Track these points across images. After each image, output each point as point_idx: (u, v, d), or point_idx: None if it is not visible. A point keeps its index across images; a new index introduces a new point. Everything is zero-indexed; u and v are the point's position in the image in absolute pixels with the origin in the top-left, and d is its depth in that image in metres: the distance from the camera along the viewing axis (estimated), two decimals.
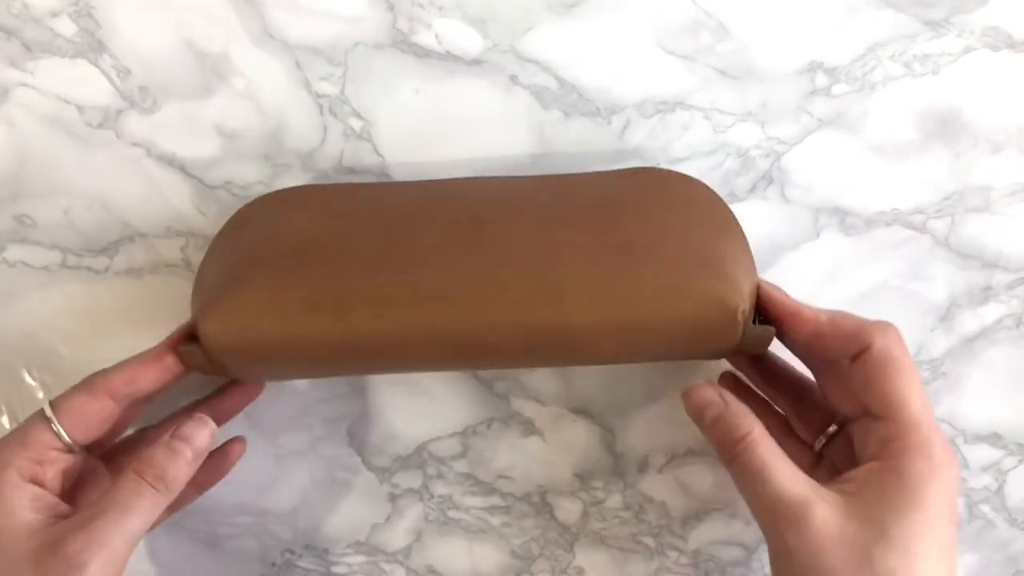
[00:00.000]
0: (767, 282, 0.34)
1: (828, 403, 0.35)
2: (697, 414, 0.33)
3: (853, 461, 0.32)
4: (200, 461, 0.32)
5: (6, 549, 0.30)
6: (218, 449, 0.39)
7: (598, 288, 0.31)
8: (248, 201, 0.37)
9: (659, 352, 0.33)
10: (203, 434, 0.32)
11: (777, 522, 0.30)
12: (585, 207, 0.34)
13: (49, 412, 0.33)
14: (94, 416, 0.33)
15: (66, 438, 0.33)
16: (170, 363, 0.34)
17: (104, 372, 0.34)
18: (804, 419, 0.37)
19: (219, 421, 0.35)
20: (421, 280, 0.31)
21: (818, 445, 0.35)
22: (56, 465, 0.33)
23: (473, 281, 0.31)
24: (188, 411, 0.38)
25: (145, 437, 0.38)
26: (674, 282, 0.31)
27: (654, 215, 0.33)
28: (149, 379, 0.34)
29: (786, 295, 0.34)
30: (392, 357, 0.32)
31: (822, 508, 0.29)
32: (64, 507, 0.32)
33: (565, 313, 0.31)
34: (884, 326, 0.32)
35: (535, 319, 0.31)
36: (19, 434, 0.33)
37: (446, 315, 0.31)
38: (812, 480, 0.30)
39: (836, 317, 0.33)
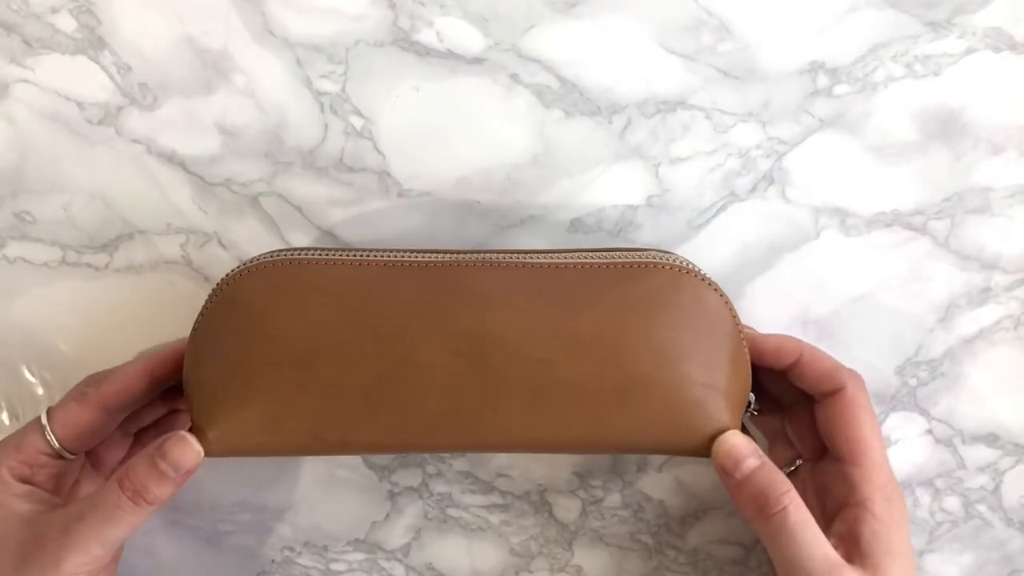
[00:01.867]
0: (746, 328, 0.35)
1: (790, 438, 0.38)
2: (730, 465, 0.32)
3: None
4: (186, 480, 0.32)
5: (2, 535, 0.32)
6: None
7: (595, 430, 0.33)
8: (235, 268, 0.34)
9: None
10: (188, 457, 0.32)
11: None
12: (590, 330, 0.33)
13: (44, 420, 0.34)
14: (86, 427, 0.34)
15: (56, 445, 0.34)
16: (161, 376, 0.35)
17: (98, 382, 0.34)
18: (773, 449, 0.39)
19: None
20: (420, 414, 0.32)
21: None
22: (47, 469, 0.34)
23: (471, 419, 0.33)
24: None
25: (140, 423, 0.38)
26: (667, 432, 0.33)
27: (657, 344, 0.33)
28: (140, 391, 0.34)
29: (763, 335, 0.36)
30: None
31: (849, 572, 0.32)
32: (57, 500, 0.34)
33: (562, 445, 0.34)
34: (854, 374, 0.35)
35: (531, 445, 0.34)
36: (16, 438, 0.34)
37: (443, 445, 0.34)
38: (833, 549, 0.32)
39: (816, 353, 0.35)
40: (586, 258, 0.34)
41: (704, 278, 0.33)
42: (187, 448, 0.32)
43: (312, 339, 0.32)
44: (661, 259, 0.34)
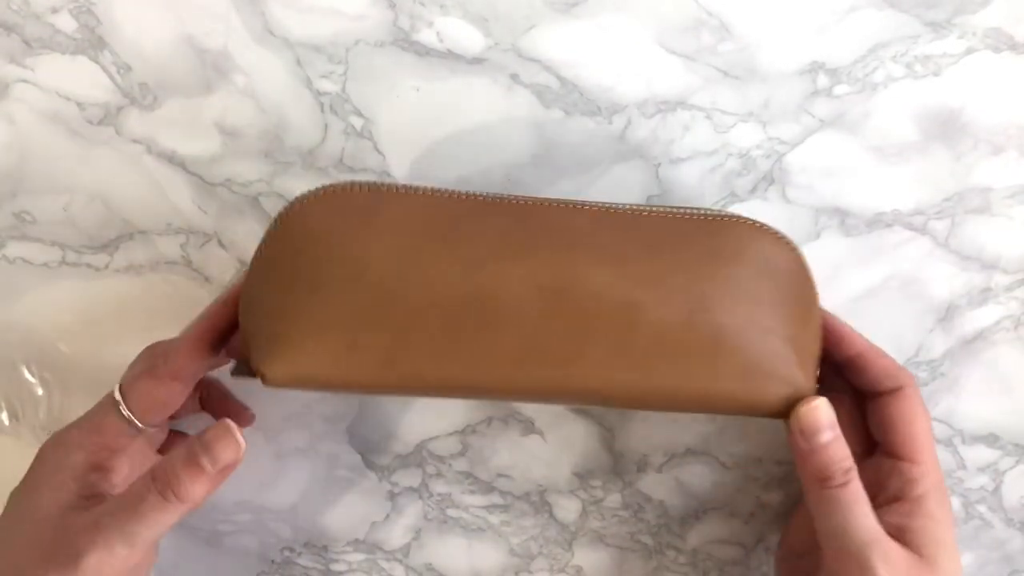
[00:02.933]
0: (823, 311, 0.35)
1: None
2: (809, 432, 0.32)
3: None
4: (224, 477, 0.31)
5: (40, 524, 0.31)
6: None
7: (679, 381, 0.31)
8: (301, 194, 0.32)
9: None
10: (228, 451, 0.30)
11: (866, 553, 0.31)
12: (679, 275, 0.32)
13: (119, 397, 0.33)
14: (162, 401, 0.33)
15: (138, 424, 0.33)
16: (223, 327, 0.34)
17: (165, 353, 0.34)
18: None
19: None
20: (500, 351, 0.31)
21: None
22: (125, 451, 0.33)
23: (554, 362, 0.31)
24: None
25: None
26: (747, 385, 0.32)
27: (743, 294, 0.32)
28: (208, 351, 0.34)
29: (835, 318, 0.36)
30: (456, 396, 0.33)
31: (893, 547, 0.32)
32: (103, 487, 0.33)
33: (643, 398, 0.32)
34: (911, 375, 0.36)
35: (611, 396, 0.32)
36: (94, 419, 0.33)
37: (520, 389, 0.31)
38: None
39: (879, 349, 0.36)
40: (667, 210, 0.33)
41: (783, 236, 0.33)
42: (230, 440, 0.30)
43: (393, 263, 0.31)
44: (744, 219, 0.34)
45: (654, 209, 0.33)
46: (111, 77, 0.39)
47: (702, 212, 0.34)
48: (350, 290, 0.30)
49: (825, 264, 0.40)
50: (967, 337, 0.41)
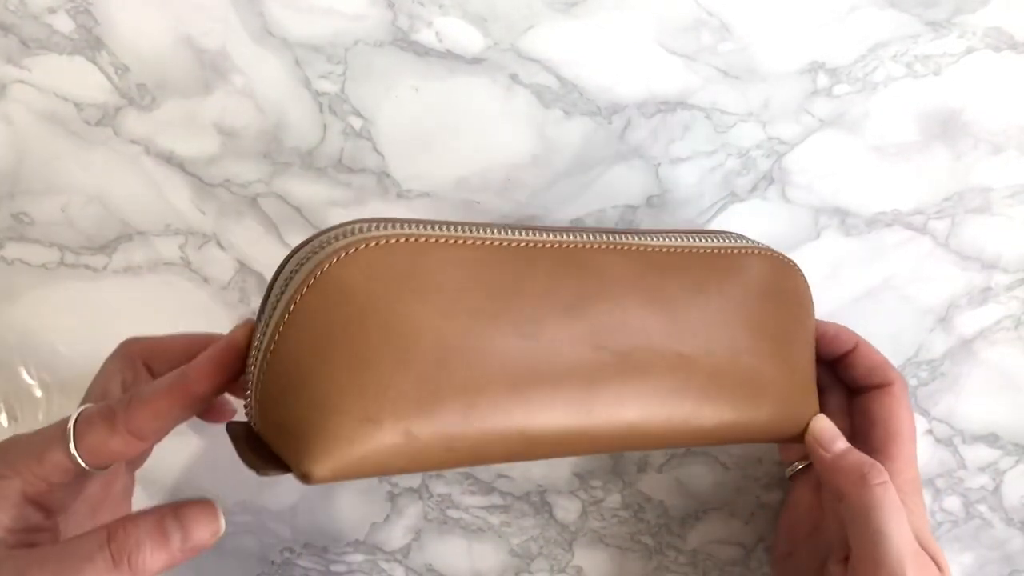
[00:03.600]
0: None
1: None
2: (827, 442, 0.34)
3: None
4: (187, 558, 0.27)
5: None
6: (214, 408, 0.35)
7: (727, 419, 0.32)
8: (325, 247, 0.28)
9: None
10: (204, 532, 0.27)
11: (903, 565, 0.31)
12: (722, 317, 0.33)
13: (71, 432, 0.28)
14: (117, 452, 0.28)
15: (82, 465, 0.28)
16: (205, 391, 0.28)
17: (128, 406, 0.28)
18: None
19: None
20: (562, 404, 0.29)
21: (790, 471, 0.39)
22: (64, 486, 0.29)
23: (612, 410, 0.30)
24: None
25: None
26: (782, 416, 0.34)
27: (778, 329, 0.34)
28: (178, 413, 0.28)
29: (824, 322, 0.37)
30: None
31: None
32: (44, 525, 0.29)
33: (695, 437, 0.32)
34: (901, 376, 0.36)
35: (665, 434, 0.32)
36: (38, 447, 0.28)
37: (574, 447, 0.31)
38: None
39: (869, 345, 0.36)
40: (692, 240, 0.33)
41: (794, 265, 0.35)
42: (211, 522, 0.27)
43: (446, 334, 0.27)
44: (754, 245, 0.34)
45: (685, 246, 0.33)
46: (109, 77, 0.39)
47: (725, 246, 0.34)
48: (402, 369, 0.26)
49: (825, 264, 0.40)
50: (967, 337, 0.41)
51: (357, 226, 0.28)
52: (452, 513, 0.42)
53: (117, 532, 0.26)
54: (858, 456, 0.33)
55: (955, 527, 0.42)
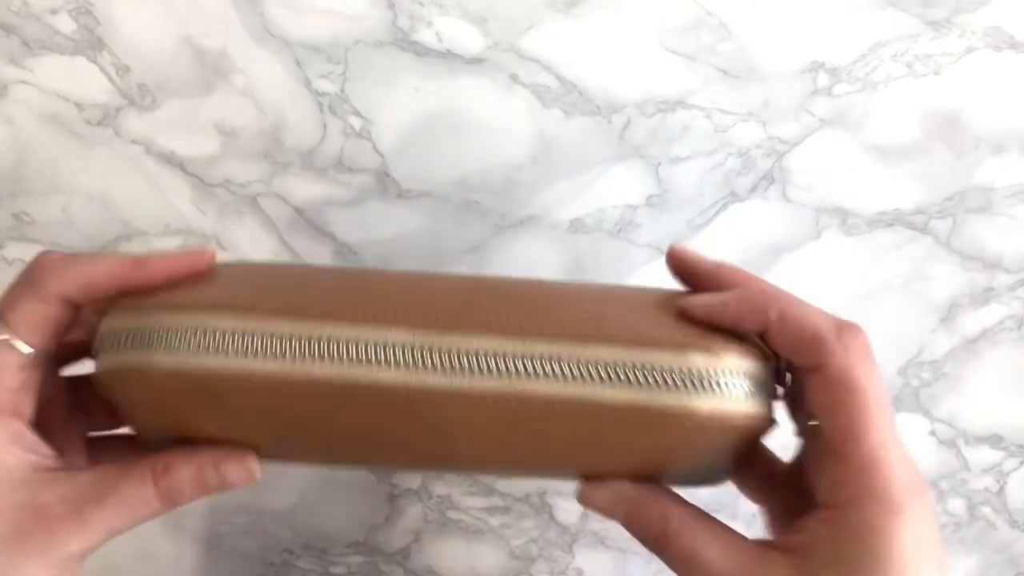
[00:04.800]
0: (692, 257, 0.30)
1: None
2: (609, 516, 0.28)
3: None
4: (235, 486, 0.28)
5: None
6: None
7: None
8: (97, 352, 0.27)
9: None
10: (240, 481, 0.28)
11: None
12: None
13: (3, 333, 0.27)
14: (50, 324, 0.27)
15: (28, 350, 0.27)
16: (153, 279, 0.27)
17: (55, 270, 0.28)
18: None
19: None
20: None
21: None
22: (27, 390, 0.27)
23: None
24: None
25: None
26: None
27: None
28: (107, 283, 0.27)
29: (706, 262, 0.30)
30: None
31: None
32: (46, 449, 0.27)
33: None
34: (849, 338, 0.26)
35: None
36: None
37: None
38: (756, 548, 0.26)
39: (791, 311, 0.26)
40: (594, 379, 0.25)
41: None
42: (249, 476, 0.28)
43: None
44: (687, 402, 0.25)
45: (574, 399, 0.25)
46: (110, 78, 0.39)
47: (632, 404, 0.25)
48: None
49: (826, 264, 0.40)
50: (970, 337, 0.41)
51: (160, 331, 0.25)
52: (452, 514, 0.42)
53: (162, 477, 0.27)
54: (636, 527, 0.27)
55: (959, 530, 0.42)
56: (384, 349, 0.25)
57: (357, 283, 0.28)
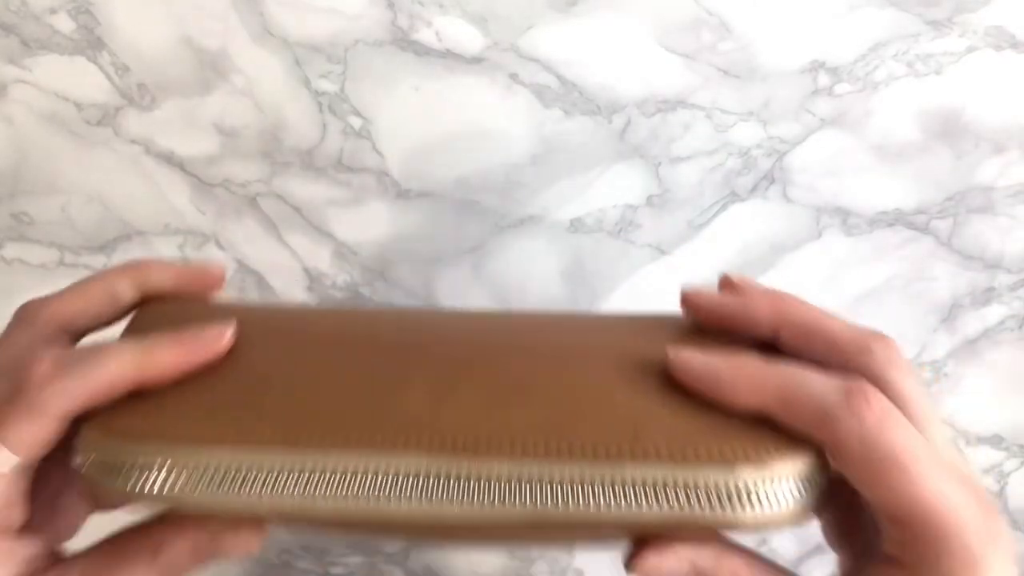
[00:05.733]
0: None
1: None
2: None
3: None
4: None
5: None
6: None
7: None
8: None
9: None
10: (239, 549, 0.26)
11: None
12: None
13: None
14: (44, 441, 0.24)
15: (14, 461, 0.24)
16: (162, 376, 0.24)
17: (55, 387, 0.24)
18: None
19: None
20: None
21: None
22: (11, 502, 0.24)
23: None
24: None
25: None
26: None
27: None
28: (111, 395, 0.24)
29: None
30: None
31: None
32: (37, 550, 0.25)
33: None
34: (859, 403, 0.22)
35: None
36: None
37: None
38: None
39: (796, 394, 0.22)
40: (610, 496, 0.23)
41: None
42: (247, 547, 0.26)
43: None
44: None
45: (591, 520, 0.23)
46: (109, 78, 0.39)
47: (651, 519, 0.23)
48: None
49: (827, 264, 0.40)
50: (971, 337, 0.40)
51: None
52: None
53: (163, 550, 0.24)
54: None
55: None
56: (397, 480, 0.22)
57: (363, 372, 0.25)
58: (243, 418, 0.24)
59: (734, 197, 0.40)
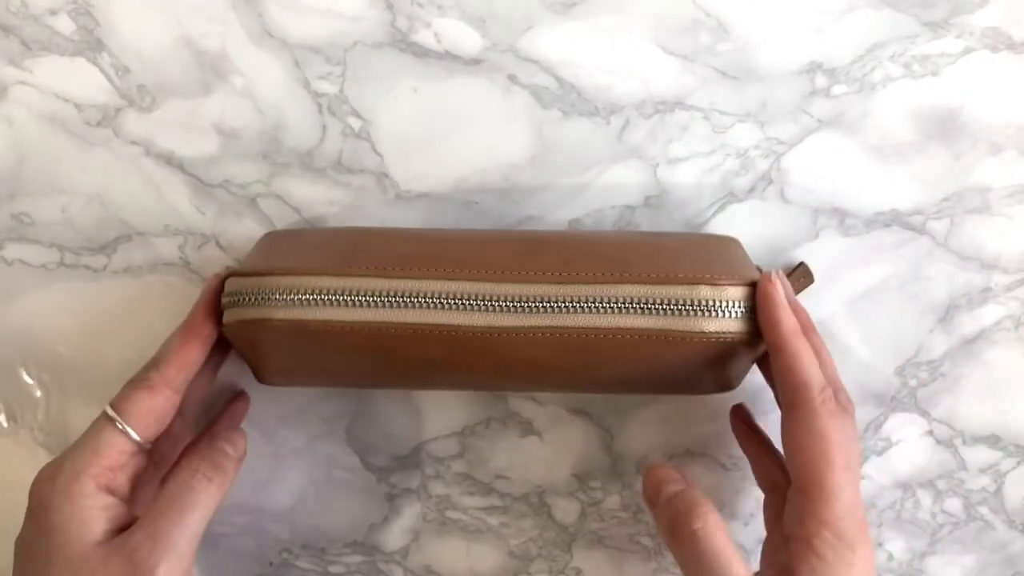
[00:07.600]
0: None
1: None
2: (654, 491, 0.34)
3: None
4: (241, 462, 0.35)
5: (76, 560, 0.30)
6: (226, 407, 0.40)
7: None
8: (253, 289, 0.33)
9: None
10: (241, 440, 0.36)
11: None
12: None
13: (113, 413, 0.32)
14: (160, 412, 0.33)
15: (136, 438, 0.33)
16: (209, 332, 0.34)
17: (156, 365, 0.34)
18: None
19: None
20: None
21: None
22: (126, 470, 0.33)
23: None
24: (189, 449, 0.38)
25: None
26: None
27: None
28: (196, 356, 0.34)
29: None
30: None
31: None
32: (128, 515, 0.32)
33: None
34: (827, 395, 0.32)
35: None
36: (91, 441, 0.32)
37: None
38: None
39: (799, 363, 0.32)
40: (631, 308, 0.32)
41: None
42: (237, 434, 0.36)
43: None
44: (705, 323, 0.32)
45: (621, 329, 0.33)
46: (109, 79, 0.39)
47: (668, 330, 0.33)
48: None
49: (824, 264, 0.40)
50: (967, 337, 0.41)
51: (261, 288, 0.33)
52: (451, 514, 0.42)
53: (195, 463, 0.33)
54: (676, 505, 0.32)
55: (956, 529, 0.42)
56: (456, 298, 0.32)
57: (426, 243, 0.34)
58: (335, 259, 0.33)
59: (732, 198, 0.40)
